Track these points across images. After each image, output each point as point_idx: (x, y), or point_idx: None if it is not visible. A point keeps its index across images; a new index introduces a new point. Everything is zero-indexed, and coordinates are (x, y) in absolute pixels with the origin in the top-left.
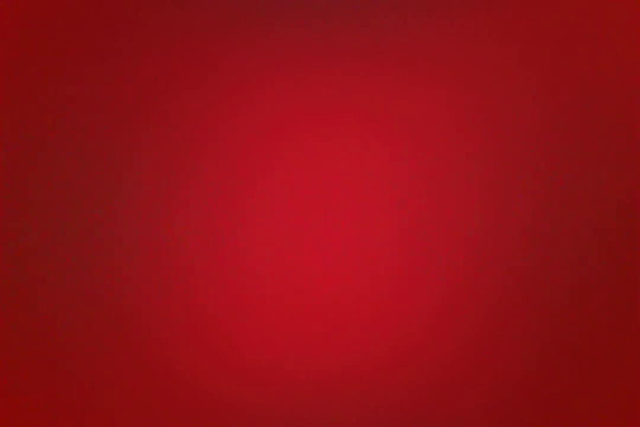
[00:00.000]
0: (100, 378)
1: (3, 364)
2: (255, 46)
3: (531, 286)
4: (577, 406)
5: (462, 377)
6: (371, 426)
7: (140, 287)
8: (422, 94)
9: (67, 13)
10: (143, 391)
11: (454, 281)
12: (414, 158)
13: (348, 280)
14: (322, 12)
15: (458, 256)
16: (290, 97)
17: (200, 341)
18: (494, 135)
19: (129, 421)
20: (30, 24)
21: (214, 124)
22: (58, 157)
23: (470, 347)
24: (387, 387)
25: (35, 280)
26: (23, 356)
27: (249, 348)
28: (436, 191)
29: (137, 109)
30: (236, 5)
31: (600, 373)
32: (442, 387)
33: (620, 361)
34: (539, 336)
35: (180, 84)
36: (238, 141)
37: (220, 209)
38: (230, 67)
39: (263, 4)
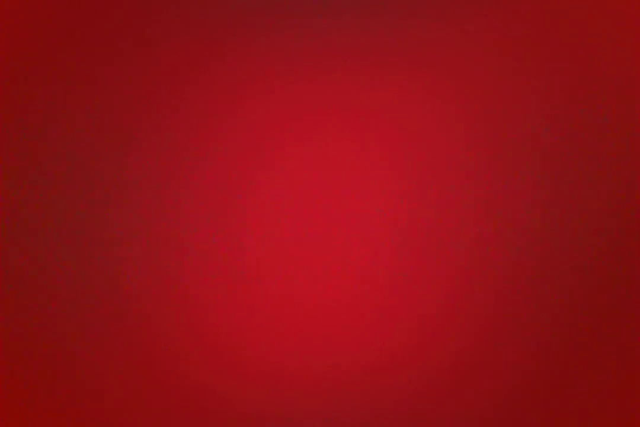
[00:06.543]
0: (99, 376)
1: (3, 363)
2: (254, 46)
3: (531, 286)
4: (577, 406)
5: (462, 378)
6: (371, 425)
7: (141, 286)
8: (422, 95)
9: (68, 13)
10: (143, 391)
11: (454, 281)
12: (413, 158)
13: (348, 280)
14: (321, 13)
15: (457, 256)
16: (290, 97)
17: (200, 341)
18: (494, 136)
19: (129, 420)
20: (30, 23)
21: (213, 124)
22: (58, 156)
23: (470, 348)
24: (386, 387)
25: (36, 279)
26: (23, 356)
27: (249, 347)
28: (436, 191)
29: (137, 109)
30: (236, 6)
31: (601, 374)
32: (442, 388)
33: (621, 361)
34: (539, 337)
35: (179, 83)
36: (237, 140)
37: (220, 208)
38: (229, 66)
39: (263, 5)
